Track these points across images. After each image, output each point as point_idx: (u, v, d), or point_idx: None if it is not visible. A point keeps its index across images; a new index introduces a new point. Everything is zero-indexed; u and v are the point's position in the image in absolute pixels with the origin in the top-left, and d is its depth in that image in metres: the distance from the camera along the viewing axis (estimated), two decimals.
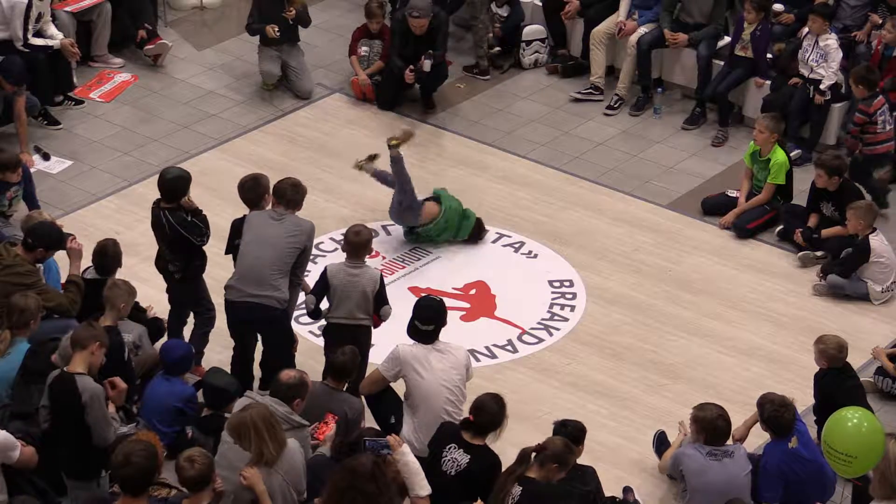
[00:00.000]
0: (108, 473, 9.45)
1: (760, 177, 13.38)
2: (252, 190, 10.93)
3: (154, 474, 8.16)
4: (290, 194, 10.81)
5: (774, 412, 9.82)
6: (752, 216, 13.35)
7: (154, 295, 11.52)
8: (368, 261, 11.07)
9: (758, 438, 10.34)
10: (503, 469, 9.23)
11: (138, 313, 10.95)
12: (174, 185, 10.87)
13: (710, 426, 9.68)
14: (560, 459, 9.09)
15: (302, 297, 11.16)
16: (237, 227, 10.89)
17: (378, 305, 10.73)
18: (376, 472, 8.16)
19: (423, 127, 14.89)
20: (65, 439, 9.32)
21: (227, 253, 11.01)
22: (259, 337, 10.91)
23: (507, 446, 9.61)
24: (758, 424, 10.14)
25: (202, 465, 8.26)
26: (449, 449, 9.44)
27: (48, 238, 10.91)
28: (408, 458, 8.93)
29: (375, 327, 10.84)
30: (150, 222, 11.02)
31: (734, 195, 13.59)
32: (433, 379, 10.06)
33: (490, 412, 9.46)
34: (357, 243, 10.71)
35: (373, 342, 10.89)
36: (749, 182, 13.50)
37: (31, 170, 13.23)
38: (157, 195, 11.06)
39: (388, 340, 10.67)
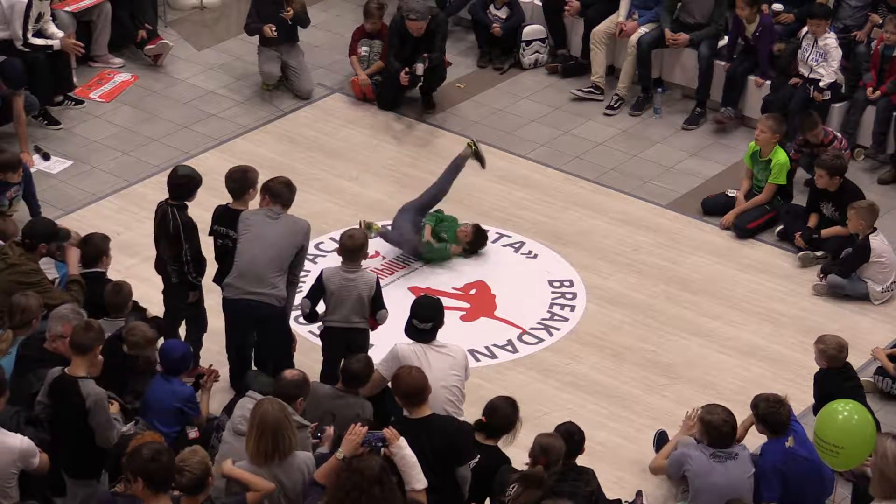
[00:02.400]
0: (108, 473, 9.47)
1: (761, 177, 13.39)
2: (239, 181, 11.00)
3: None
4: (287, 195, 10.86)
5: (770, 409, 9.79)
6: (752, 216, 13.35)
7: (154, 295, 11.52)
8: (368, 261, 11.08)
9: (756, 439, 10.32)
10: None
11: (137, 313, 10.96)
12: (184, 184, 10.90)
13: (716, 431, 9.61)
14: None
15: (299, 298, 11.16)
16: (219, 213, 11.03)
17: (374, 309, 10.71)
18: (383, 476, 8.12)
19: (423, 127, 14.90)
20: (66, 440, 9.31)
21: (209, 235, 11.09)
22: (257, 337, 10.91)
23: (508, 446, 9.60)
24: (753, 428, 10.12)
25: (192, 471, 8.23)
26: None
27: (43, 231, 11.02)
28: (404, 452, 8.92)
29: (372, 330, 10.83)
30: (154, 220, 11.01)
31: (734, 195, 13.59)
32: (432, 379, 10.00)
33: (503, 414, 9.47)
34: (352, 247, 10.70)
35: (371, 342, 10.88)
36: (749, 182, 13.50)
37: (31, 170, 13.23)
38: (156, 194, 11.07)
39: (388, 342, 10.66)
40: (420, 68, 14.63)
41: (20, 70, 13.80)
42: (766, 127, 13.24)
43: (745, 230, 13.31)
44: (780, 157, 13.26)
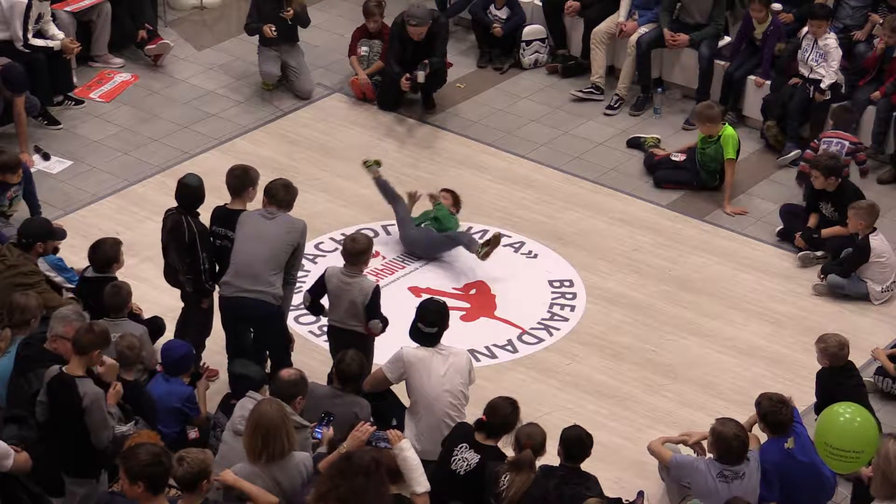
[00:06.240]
0: (107, 472, 9.47)
1: (708, 159, 13.71)
2: (239, 178, 10.99)
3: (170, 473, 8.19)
4: (283, 195, 10.83)
5: (772, 408, 9.78)
6: (674, 177, 13.92)
7: (155, 295, 11.52)
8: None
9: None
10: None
11: (135, 314, 10.99)
12: (195, 194, 10.90)
13: (725, 444, 9.50)
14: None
15: (297, 297, 11.15)
16: (217, 214, 11.02)
17: (367, 317, 10.65)
18: (371, 468, 8.02)
19: (423, 127, 14.90)
20: (64, 439, 9.30)
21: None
22: (254, 336, 10.89)
23: (508, 446, 9.60)
24: (756, 427, 10.11)
25: (191, 466, 8.21)
26: (460, 448, 9.46)
27: (39, 230, 11.09)
28: (407, 454, 8.91)
29: (367, 335, 10.79)
30: (167, 229, 10.97)
31: (678, 159, 13.95)
32: (436, 384, 10.05)
33: (503, 414, 9.47)
34: (353, 251, 10.68)
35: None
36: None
37: (31, 170, 13.23)
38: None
39: (390, 342, 10.67)
40: (422, 76, 14.62)
41: (23, 75, 13.80)
42: (703, 124, 13.62)
43: (659, 184, 13.94)
44: (728, 130, 13.56)
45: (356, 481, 7.92)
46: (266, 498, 8.61)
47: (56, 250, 11.62)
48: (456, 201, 13.16)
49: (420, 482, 8.91)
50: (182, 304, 11.25)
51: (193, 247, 10.81)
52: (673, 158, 14.01)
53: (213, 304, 11.08)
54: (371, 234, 12.73)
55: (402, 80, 14.67)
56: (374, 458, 8.12)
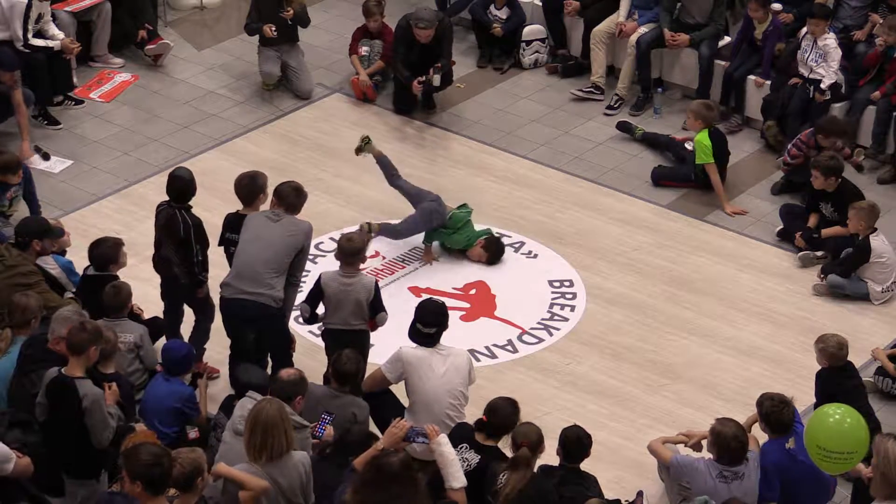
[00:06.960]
0: (107, 473, 9.47)
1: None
2: (248, 187, 11.00)
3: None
4: (292, 198, 10.84)
5: (773, 408, 9.79)
6: (672, 175, 13.95)
7: (154, 295, 11.51)
8: (369, 261, 11.05)
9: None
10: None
11: (135, 315, 10.99)
12: (187, 187, 10.91)
13: (724, 444, 9.50)
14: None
15: (299, 298, 11.15)
16: (230, 220, 11.03)
17: (373, 312, 10.69)
18: (402, 474, 7.98)
19: (423, 127, 14.89)
20: (64, 440, 9.30)
21: (219, 245, 11.11)
22: (255, 337, 10.89)
23: (508, 446, 9.61)
24: (756, 426, 10.11)
25: (183, 466, 8.22)
26: (461, 449, 9.46)
27: (35, 228, 11.09)
28: (444, 449, 8.91)
29: (372, 331, 10.82)
30: (160, 223, 10.99)
31: (690, 147, 13.92)
32: (435, 384, 10.04)
33: (503, 414, 9.48)
34: (349, 251, 10.68)
35: (372, 342, 10.88)
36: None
37: (31, 170, 13.22)
38: (156, 194, 11.04)
39: (388, 341, 10.67)
40: (438, 79, 14.61)
41: (11, 54, 13.83)
42: (695, 120, 13.62)
43: (657, 181, 13.96)
44: (698, 136, 13.58)
45: (390, 491, 7.86)
46: (257, 483, 8.61)
47: (64, 253, 11.63)
48: (492, 255, 12.95)
49: (457, 477, 8.92)
50: (162, 300, 11.28)
51: (188, 240, 10.82)
52: (687, 146, 14.01)
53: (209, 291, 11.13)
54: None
55: (414, 83, 14.65)
56: (403, 463, 8.01)
